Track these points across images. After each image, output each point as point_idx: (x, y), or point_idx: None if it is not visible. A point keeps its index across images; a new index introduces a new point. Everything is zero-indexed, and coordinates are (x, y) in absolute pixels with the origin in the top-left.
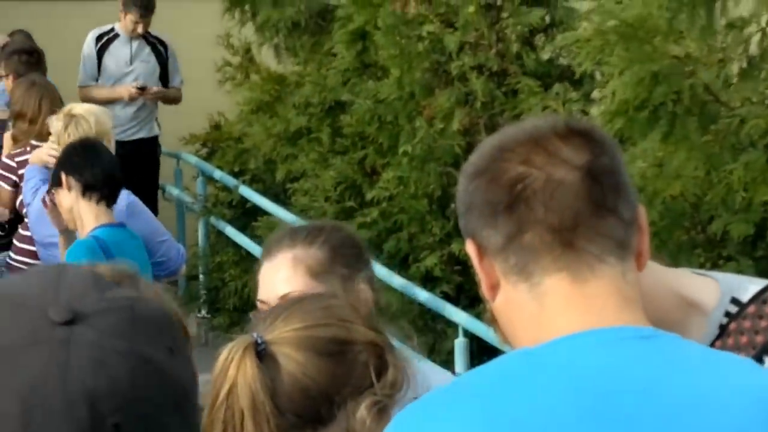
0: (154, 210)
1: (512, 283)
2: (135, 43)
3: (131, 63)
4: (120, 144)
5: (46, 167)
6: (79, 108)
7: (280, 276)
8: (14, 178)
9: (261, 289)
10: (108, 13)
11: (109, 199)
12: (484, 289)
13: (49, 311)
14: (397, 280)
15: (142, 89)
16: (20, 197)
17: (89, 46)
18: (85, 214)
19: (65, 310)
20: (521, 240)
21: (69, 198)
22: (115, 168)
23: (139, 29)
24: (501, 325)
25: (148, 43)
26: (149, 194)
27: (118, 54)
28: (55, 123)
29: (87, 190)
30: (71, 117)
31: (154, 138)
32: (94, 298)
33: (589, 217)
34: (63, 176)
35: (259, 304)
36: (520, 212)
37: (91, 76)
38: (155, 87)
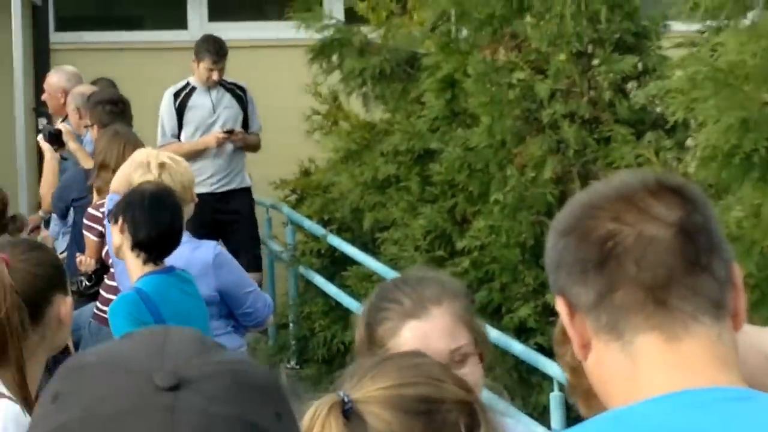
0: (257, 262)
1: (604, 341)
2: (214, 92)
3: (215, 111)
4: (214, 196)
5: None
6: (163, 157)
7: (444, 332)
8: (100, 228)
9: (418, 346)
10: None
11: (157, 259)
12: (576, 348)
13: (155, 377)
14: (489, 332)
15: (229, 132)
16: (106, 247)
17: (167, 104)
18: (131, 263)
19: (170, 375)
20: (612, 298)
21: (119, 238)
22: (173, 226)
23: (214, 76)
24: (593, 383)
25: (227, 89)
26: (247, 246)
27: (200, 105)
28: (132, 169)
29: (136, 247)
30: (149, 164)
31: (247, 189)
32: (199, 363)
33: (683, 275)
34: (120, 218)
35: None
36: (611, 270)
37: (171, 134)
38: (239, 130)
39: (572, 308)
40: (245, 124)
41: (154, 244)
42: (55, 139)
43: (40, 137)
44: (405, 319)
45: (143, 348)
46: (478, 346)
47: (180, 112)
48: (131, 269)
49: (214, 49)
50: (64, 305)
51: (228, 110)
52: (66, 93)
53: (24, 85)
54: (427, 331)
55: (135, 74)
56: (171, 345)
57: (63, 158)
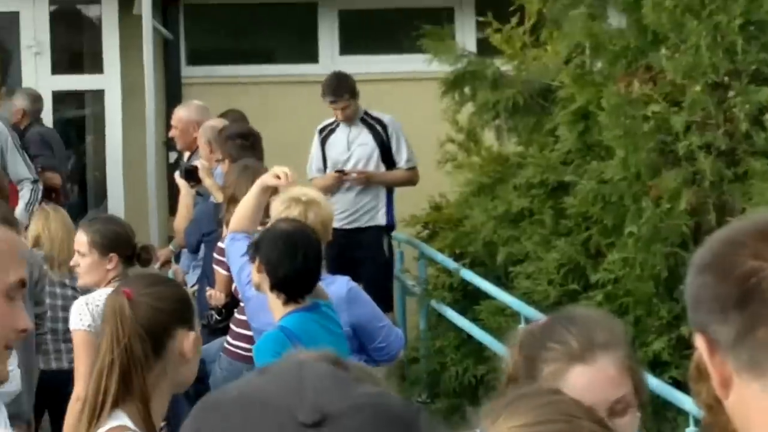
0: (389, 300)
1: (745, 380)
2: (353, 128)
3: (349, 148)
4: (344, 232)
5: None
6: (312, 194)
7: (610, 381)
8: None
9: (581, 395)
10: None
11: (297, 297)
12: (716, 386)
13: (298, 413)
14: None
15: (340, 172)
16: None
17: (315, 140)
18: (273, 303)
19: (313, 411)
20: (754, 336)
21: (258, 277)
22: (312, 265)
23: (340, 115)
24: (735, 423)
25: (366, 125)
26: (379, 283)
27: (337, 141)
28: (277, 206)
29: (275, 287)
30: (294, 201)
31: (379, 227)
32: (339, 397)
33: None
34: (258, 259)
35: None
36: (752, 307)
37: (316, 169)
38: (359, 169)
39: (712, 345)
40: (387, 160)
41: (294, 284)
42: (191, 175)
43: (176, 173)
44: (571, 363)
45: (282, 383)
46: (638, 394)
47: (323, 148)
48: (273, 308)
49: (330, 89)
50: (187, 340)
51: (361, 148)
52: (198, 126)
53: (156, 119)
54: (593, 379)
55: (266, 108)
56: (309, 379)
57: (199, 194)
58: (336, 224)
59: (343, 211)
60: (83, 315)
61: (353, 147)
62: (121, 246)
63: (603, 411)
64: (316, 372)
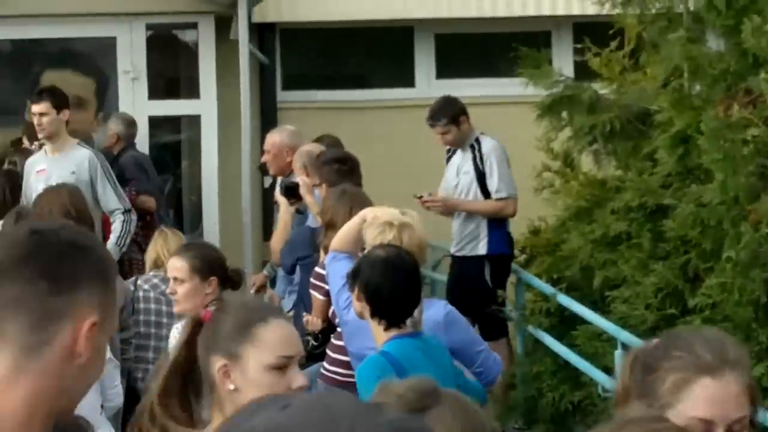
0: (496, 329)
1: None
2: (463, 154)
3: (457, 174)
4: (456, 259)
5: None
6: (407, 217)
7: (735, 399)
8: (326, 287)
9: (703, 407)
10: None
11: (398, 322)
12: None
13: None
14: None
15: (419, 198)
16: (332, 307)
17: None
18: (374, 329)
19: None
20: None
21: (359, 306)
22: (410, 288)
23: (440, 140)
24: None
25: (472, 151)
26: (482, 312)
27: (451, 167)
28: (371, 231)
29: (376, 313)
30: (388, 225)
31: (480, 257)
32: (369, 425)
33: None
34: (356, 288)
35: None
36: None
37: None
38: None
39: None
40: (484, 187)
41: (394, 309)
42: (292, 192)
43: (276, 190)
44: (700, 374)
45: (310, 415)
46: (753, 420)
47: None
48: (376, 334)
49: (430, 113)
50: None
51: (465, 176)
52: (292, 152)
53: (251, 144)
54: (718, 394)
55: (362, 132)
56: (338, 408)
57: (298, 212)
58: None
59: (454, 239)
60: None
61: (460, 174)
62: (219, 269)
63: (721, 429)
64: (343, 402)
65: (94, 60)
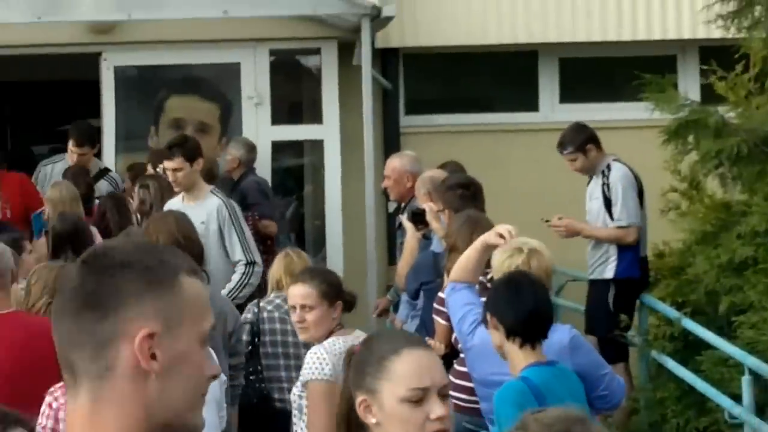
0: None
1: None
2: (595, 180)
3: (590, 198)
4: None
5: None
6: (534, 242)
7: None
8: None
9: None
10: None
11: (533, 340)
12: None
13: None
14: None
15: (547, 221)
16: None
17: None
18: (512, 354)
19: None
20: None
21: (497, 336)
22: (541, 307)
23: (570, 167)
24: None
25: (603, 178)
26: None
27: (587, 193)
28: (499, 256)
29: (510, 334)
30: (517, 251)
31: (606, 281)
32: None
33: None
34: (488, 315)
35: None
36: None
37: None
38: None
39: None
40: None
41: (526, 326)
42: (419, 218)
43: (404, 216)
44: None
45: None
46: None
47: None
48: (514, 360)
49: (558, 141)
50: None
51: (595, 201)
52: (412, 177)
53: (374, 168)
54: None
55: (485, 157)
56: None
57: (425, 237)
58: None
59: (588, 263)
60: (324, 364)
61: (591, 200)
62: (343, 292)
63: None
64: None
65: (218, 85)
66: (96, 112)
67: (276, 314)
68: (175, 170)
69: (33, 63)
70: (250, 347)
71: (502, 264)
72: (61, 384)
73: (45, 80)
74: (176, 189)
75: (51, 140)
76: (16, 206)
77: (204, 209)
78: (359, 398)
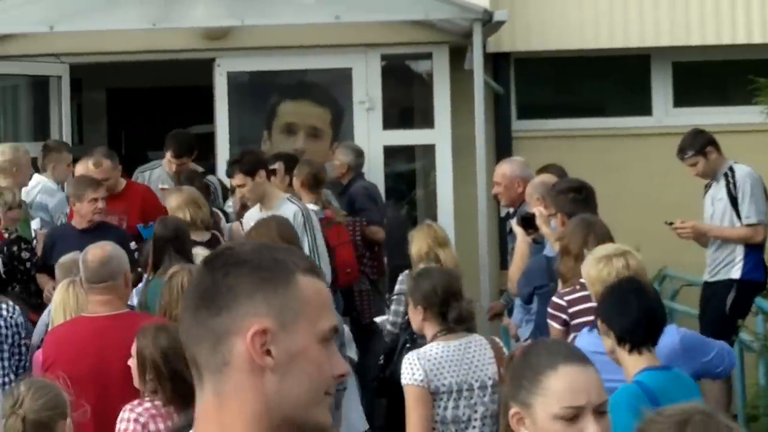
0: None
1: None
2: (715, 184)
3: (712, 204)
4: (705, 285)
5: None
6: (624, 246)
7: None
8: (564, 316)
9: None
10: (657, 149)
11: (643, 345)
12: None
13: None
14: None
15: (670, 224)
16: (570, 337)
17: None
18: (624, 360)
19: None
20: None
21: (609, 342)
22: (648, 313)
23: (691, 171)
24: None
25: (725, 179)
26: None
27: (707, 197)
28: (591, 265)
29: (620, 340)
30: (614, 256)
31: (730, 281)
32: None
33: None
34: (599, 321)
35: None
36: None
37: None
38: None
39: None
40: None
41: (633, 332)
42: (529, 223)
43: (513, 220)
44: None
45: None
46: None
47: None
48: (626, 365)
49: (678, 148)
50: None
51: (719, 203)
52: (523, 182)
53: (486, 173)
54: None
55: (597, 161)
56: None
57: (536, 242)
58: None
59: (708, 265)
60: (415, 370)
61: (714, 203)
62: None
63: None
64: None
65: (330, 90)
66: (209, 117)
67: None
68: (239, 186)
69: (147, 69)
70: (405, 317)
71: (600, 272)
72: (139, 401)
73: (159, 86)
74: (248, 204)
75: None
76: (133, 220)
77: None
78: (513, 410)
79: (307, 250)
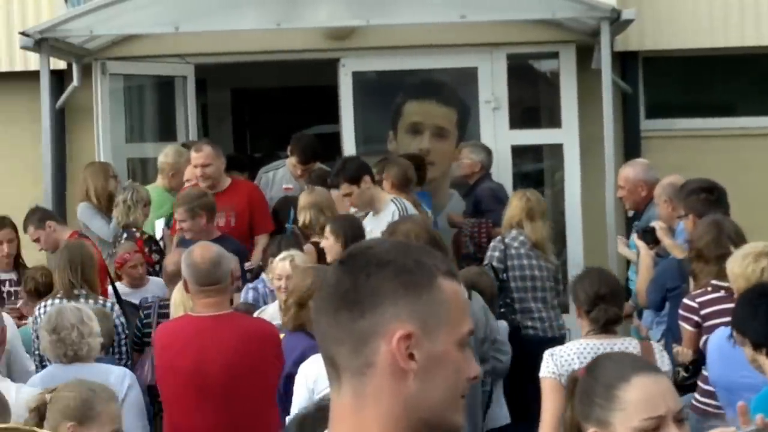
0: None
1: None
2: None
3: None
4: None
5: None
6: (762, 245)
7: None
8: (696, 318)
9: None
10: None
11: None
12: None
13: None
14: None
15: None
16: (702, 338)
17: None
18: (764, 366)
19: None
20: None
21: (748, 350)
22: None
23: None
24: None
25: None
26: None
27: None
28: (737, 263)
29: (756, 346)
30: (762, 254)
31: None
32: None
33: None
34: (734, 332)
35: None
36: None
37: None
38: None
39: None
40: None
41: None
42: (649, 236)
43: (634, 234)
44: None
45: None
46: None
47: None
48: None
49: None
50: None
51: None
52: (647, 186)
53: (614, 173)
54: None
55: (728, 161)
56: None
57: (658, 255)
58: None
59: None
60: (548, 363)
61: None
62: None
63: None
64: None
65: (456, 90)
66: (332, 117)
67: (522, 250)
68: (345, 195)
69: (271, 69)
70: (497, 282)
71: (744, 270)
72: None
73: (283, 86)
74: (359, 213)
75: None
76: (241, 216)
77: (385, 219)
78: (590, 430)
79: None
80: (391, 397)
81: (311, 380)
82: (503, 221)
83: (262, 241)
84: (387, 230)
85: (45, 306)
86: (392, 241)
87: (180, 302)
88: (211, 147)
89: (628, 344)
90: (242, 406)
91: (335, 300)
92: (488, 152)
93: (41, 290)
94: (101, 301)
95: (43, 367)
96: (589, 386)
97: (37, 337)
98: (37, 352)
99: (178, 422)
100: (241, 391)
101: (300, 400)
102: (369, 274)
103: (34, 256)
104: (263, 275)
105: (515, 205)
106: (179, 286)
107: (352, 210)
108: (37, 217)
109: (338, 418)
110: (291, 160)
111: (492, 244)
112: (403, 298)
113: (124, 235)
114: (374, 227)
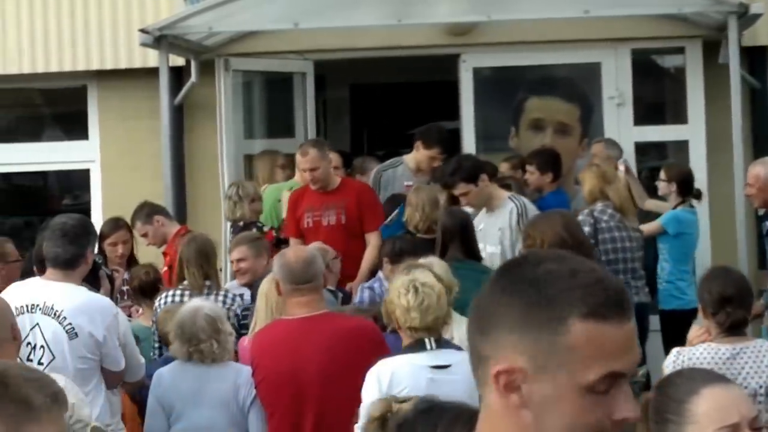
0: None
1: None
2: None
3: None
4: None
5: None
6: None
7: None
8: None
9: None
10: None
11: None
12: None
13: None
14: None
15: None
16: None
17: None
18: None
19: None
20: None
21: None
22: None
23: None
24: None
25: None
26: None
27: None
28: None
29: None
30: None
31: None
32: None
33: None
34: None
35: None
36: None
37: None
38: None
39: None
40: None
41: None
42: None
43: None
44: None
45: None
46: None
47: None
48: None
49: None
50: None
51: None
52: None
53: (744, 169)
54: None
55: None
56: None
57: None
58: None
59: None
60: (670, 365)
61: None
62: None
63: None
64: None
65: (578, 86)
66: (452, 113)
67: (612, 223)
68: (462, 195)
69: (390, 65)
70: None
71: None
72: None
73: (401, 82)
74: (475, 212)
75: (406, 143)
76: (351, 212)
77: (501, 216)
78: None
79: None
80: (506, 418)
81: (385, 382)
82: (585, 198)
83: (373, 239)
84: (523, 232)
85: (172, 296)
86: (550, 258)
87: (263, 307)
88: (317, 149)
89: (760, 346)
90: (337, 406)
91: (474, 311)
92: (620, 148)
93: (145, 288)
94: (222, 294)
95: (161, 356)
96: (661, 404)
97: (156, 329)
98: (157, 344)
99: (279, 428)
100: (342, 391)
101: (370, 400)
102: (503, 292)
103: (153, 252)
104: (380, 273)
105: (588, 177)
106: (262, 291)
107: (468, 209)
108: (145, 212)
109: (480, 419)
110: (424, 153)
111: (580, 218)
112: (519, 331)
113: (231, 231)
114: (488, 224)
